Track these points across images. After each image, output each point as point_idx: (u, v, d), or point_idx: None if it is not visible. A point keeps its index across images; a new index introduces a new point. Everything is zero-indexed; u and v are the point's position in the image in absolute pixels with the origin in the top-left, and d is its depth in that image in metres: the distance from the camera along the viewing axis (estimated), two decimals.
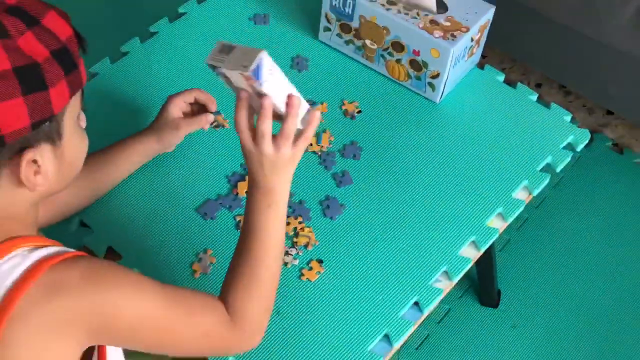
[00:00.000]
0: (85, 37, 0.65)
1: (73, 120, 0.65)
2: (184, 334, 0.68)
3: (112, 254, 0.91)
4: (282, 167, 0.71)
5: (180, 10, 1.18)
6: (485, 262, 1.23)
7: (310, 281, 0.88)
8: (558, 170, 1.00)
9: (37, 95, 0.58)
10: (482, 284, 1.33)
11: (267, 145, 0.69)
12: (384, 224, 0.93)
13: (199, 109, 0.94)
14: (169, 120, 0.92)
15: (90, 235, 0.92)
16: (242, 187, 0.96)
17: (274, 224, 0.73)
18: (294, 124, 0.69)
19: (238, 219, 0.93)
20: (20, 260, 0.60)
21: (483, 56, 1.12)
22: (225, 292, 0.72)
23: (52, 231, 0.79)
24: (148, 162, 0.96)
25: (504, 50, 1.72)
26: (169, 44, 1.13)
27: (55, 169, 0.64)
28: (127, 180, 0.96)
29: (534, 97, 1.06)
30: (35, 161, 0.61)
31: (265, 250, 0.73)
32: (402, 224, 0.93)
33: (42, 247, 0.62)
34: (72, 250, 0.65)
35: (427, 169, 0.98)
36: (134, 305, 0.63)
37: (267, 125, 0.68)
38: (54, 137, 0.62)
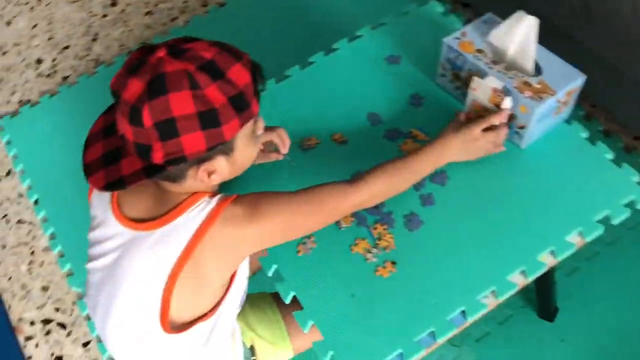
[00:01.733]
0: (261, 65, 0.89)
1: (245, 137, 0.89)
2: (321, 216, 1.00)
3: None
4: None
5: (334, 46, 1.45)
6: (544, 282, 1.41)
7: (383, 277, 1.13)
8: (615, 223, 1.16)
9: (212, 130, 0.81)
10: (539, 299, 1.51)
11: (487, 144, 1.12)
12: (452, 242, 1.14)
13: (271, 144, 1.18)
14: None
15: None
16: None
17: (422, 174, 1.10)
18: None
19: None
20: (205, 205, 0.90)
21: (592, 105, 1.25)
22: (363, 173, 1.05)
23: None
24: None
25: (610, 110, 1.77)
26: (323, 73, 1.41)
27: (228, 170, 0.90)
28: (274, 176, 1.25)
29: (610, 155, 1.21)
30: (211, 167, 0.87)
31: (407, 179, 1.09)
32: (467, 245, 1.14)
33: (217, 194, 0.92)
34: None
35: (500, 201, 1.18)
36: (281, 219, 0.93)
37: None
38: (227, 152, 0.88)
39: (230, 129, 0.83)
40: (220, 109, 0.81)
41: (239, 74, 0.83)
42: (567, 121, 1.26)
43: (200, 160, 0.86)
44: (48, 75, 2.11)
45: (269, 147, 1.21)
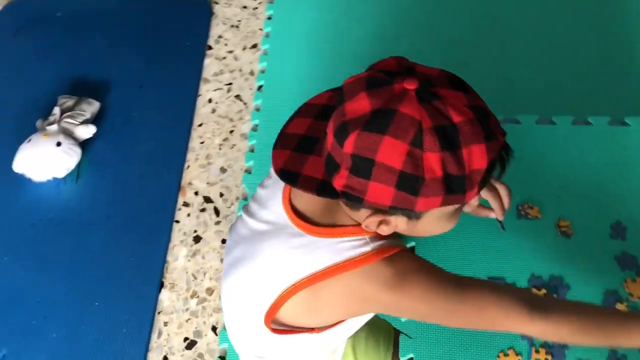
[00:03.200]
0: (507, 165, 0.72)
1: (441, 214, 0.76)
2: (471, 320, 0.82)
3: None
4: None
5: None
6: None
7: None
8: None
9: (406, 194, 0.69)
10: None
11: None
12: None
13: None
14: None
15: None
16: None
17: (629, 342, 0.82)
18: None
19: None
20: (362, 244, 0.80)
21: None
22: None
23: None
24: None
25: None
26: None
27: (405, 229, 0.78)
28: None
29: None
30: (384, 221, 0.76)
31: (609, 340, 0.83)
32: None
33: (382, 240, 0.80)
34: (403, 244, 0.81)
35: None
36: (423, 306, 0.79)
37: None
38: (412, 217, 0.75)
39: (426, 204, 0.70)
40: (428, 182, 0.68)
41: (476, 157, 0.68)
42: None
43: (378, 211, 0.75)
44: None
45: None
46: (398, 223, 0.76)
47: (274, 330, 0.88)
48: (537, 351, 0.99)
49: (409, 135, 0.66)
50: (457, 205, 0.76)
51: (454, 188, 0.69)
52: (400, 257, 0.80)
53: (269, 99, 1.78)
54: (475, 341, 1.01)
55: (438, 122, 0.67)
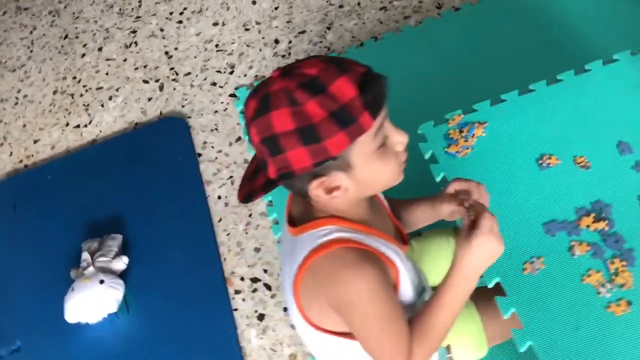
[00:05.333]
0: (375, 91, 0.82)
1: (365, 153, 0.85)
2: (373, 343, 0.94)
3: None
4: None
5: (587, 66, 1.40)
6: None
7: (615, 315, 1.08)
8: None
9: (314, 145, 0.81)
10: None
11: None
12: None
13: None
14: (441, 194, 1.09)
15: None
16: (584, 222, 1.18)
17: (462, 302, 0.99)
18: None
19: (572, 243, 1.17)
20: (325, 233, 0.92)
21: None
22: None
23: None
24: (525, 177, 1.25)
25: None
26: (571, 92, 1.38)
27: (353, 188, 0.88)
28: (507, 189, 1.26)
29: None
30: (323, 183, 0.86)
31: (452, 313, 0.98)
32: None
33: (348, 230, 0.92)
34: (365, 242, 0.92)
35: None
36: (361, 311, 0.91)
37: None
38: (343, 168, 0.86)
39: (335, 144, 0.81)
40: (321, 124, 0.80)
41: (341, 88, 0.80)
42: None
43: (313, 175, 0.86)
44: (283, 56, 2.27)
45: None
46: (342, 182, 0.87)
47: (318, 329, 1.00)
48: (612, 262, 1.13)
49: (284, 100, 0.81)
50: (373, 139, 0.85)
51: (345, 120, 0.80)
52: (359, 252, 0.91)
53: None
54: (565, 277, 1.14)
55: (300, 80, 0.81)
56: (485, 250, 0.94)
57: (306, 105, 0.80)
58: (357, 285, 0.89)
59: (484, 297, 1.18)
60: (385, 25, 2.26)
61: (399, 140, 0.89)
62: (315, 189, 0.87)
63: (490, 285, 1.14)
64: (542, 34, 2.02)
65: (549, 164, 1.27)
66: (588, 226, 1.17)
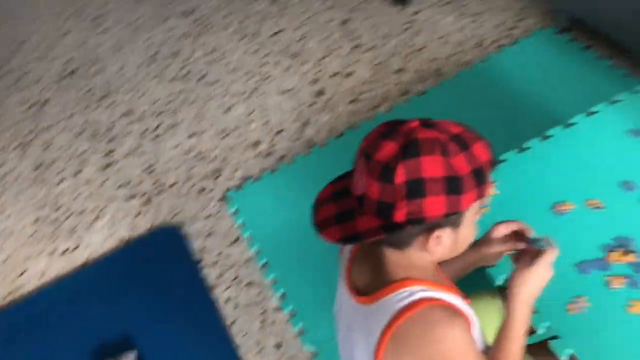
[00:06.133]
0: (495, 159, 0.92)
1: (472, 214, 0.91)
2: None
3: None
4: None
5: (572, 120, 1.53)
6: None
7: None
8: None
9: (454, 197, 0.84)
10: None
11: None
12: None
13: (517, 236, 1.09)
14: (487, 239, 1.12)
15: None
16: (613, 257, 1.25)
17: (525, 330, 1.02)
18: None
19: (607, 278, 1.22)
20: (408, 295, 0.92)
21: None
22: None
23: None
24: (545, 225, 1.31)
25: None
26: (563, 144, 1.50)
27: (450, 244, 0.91)
28: None
29: None
30: (439, 237, 0.89)
31: (517, 344, 1.00)
32: None
33: (428, 289, 0.93)
34: (443, 298, 0.93)
35: None
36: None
37: None
38: (456, 225, 0.90)
39: (467, 200, 0.86)
40: (465, 178, 0.85)
41: (481, 151, 0.87)
42: None
43: (434, 226, 0.88)
44: (266, 155, 2.34)
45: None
46: (447, 238, 0.90)
47: None
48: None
49: (437, 149, 0.84)
50: (479, 204, 0.90)
51: (480, 179, 0.86)
52: (445, 308, 0.92)
53: (279, 268, 1.92)
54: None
55: (449, 135, 0.86)
56: (539, 278, 1.00)
57: (456, 157, 0.84)
58: (451, 340, 0.90)
59: (536, 348, 1.21)
60: (358, 115, 2.38)
61: (481, 212, 0.96)
62: (432, 241, 0.89)
63: (563, 358, 1.16)
64: (504, 104, 2.19)
65: (564, 210, 1.35)
66: (618, 260, 1.24)
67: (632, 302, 1.18)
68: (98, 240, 2.25)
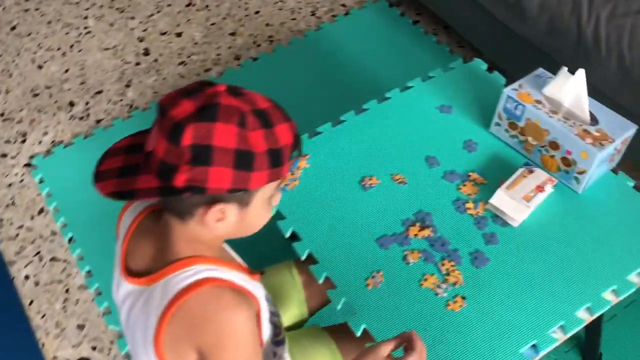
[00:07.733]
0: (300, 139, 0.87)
1: (264, 197, 0.86)
2: None
3: (310, 260, 1.25)
4: None
5: (387, 95, 1.52)
6: (593, 327, 1.45)
7: (454, 311, 1.16)
8: None
9: (243, 172, 0.78)
10: (587, 345, 1.55)
11: None
12: (518, 279, 1.18)
13: None
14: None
15: (299, 242, 1.26)
16: (412, 231, 1.26)
17: None
18: None
19: (405, 253, 1.23)
20: (192, 274, 0.86)
21: None
22: None
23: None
24: (351, 199, 1.30)
25: None
26: (377, 119, 1.48)
27: (235, 224, 0.86)
28: (337, 212, 1.30)
29: None
30: (223, 212, 0.82)
31: None
32: (532, 282, 1.18)
33: (214, 269, 0.87)
34: (232, 279, 0.88)
35: (560, 241, 1.23)
36: (230, 356, 0.84)
37: None
38: (243, 203, 0.84)
39: (258, 179, 0.81)
40: (258, 155, 0.80)
41: (284, 133, 0.82)
42: (614, 170, 1.34)
43: (216, 199, 0.82)
44: (81, 118, 2.14)
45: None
46: (232, 215, 0.84)
47: None
48: (442, 264, 1.21)
49: (235, 119, 0.77)
50: (274, 189, 0.87)
51: (275, 161, 0.81)
52: (232, 291, 0.86)
53: (86, 244, 1.77)
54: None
55: (252, 107, 0.80)
56: None
57: (254, 132, 0.79)
58: (234, 326, 0.84)
59: (337, 329, 1.20)
60: (186, 78, 2.25)
61: (279, 199, 0.93)
62: (212, 214, 0.82)
63: (358, 334, 1.14)
64: (331, 76, 2.18)
65: (371, 184, 1.35)
66: (416, 235, 1.25)
67: (425, 276, 1.20)
68: None
